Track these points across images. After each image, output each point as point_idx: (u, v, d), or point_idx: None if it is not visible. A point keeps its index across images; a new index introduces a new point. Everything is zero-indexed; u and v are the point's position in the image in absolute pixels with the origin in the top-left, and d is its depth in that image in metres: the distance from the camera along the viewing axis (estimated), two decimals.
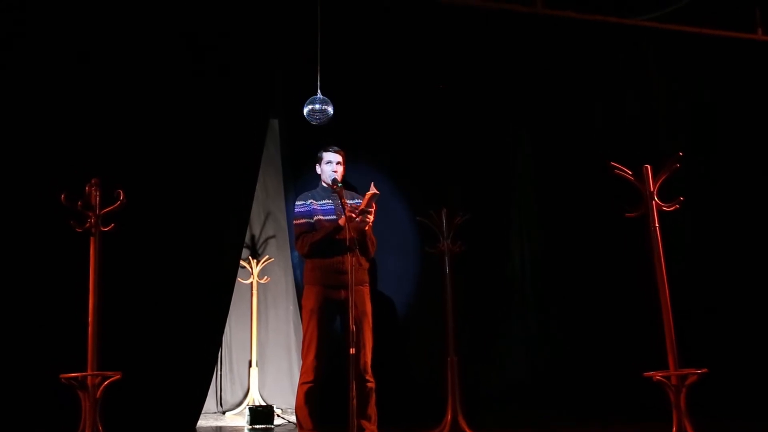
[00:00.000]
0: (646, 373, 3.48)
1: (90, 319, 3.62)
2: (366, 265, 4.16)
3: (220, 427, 5.53)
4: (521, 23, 6.01)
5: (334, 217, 4.09)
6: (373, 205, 3.95)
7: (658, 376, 3.44)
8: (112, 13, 4.98)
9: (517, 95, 6.07)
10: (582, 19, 6.11)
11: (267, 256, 6.41)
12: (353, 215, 3.82)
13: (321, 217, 4.13)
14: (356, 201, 4.09)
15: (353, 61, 5.45)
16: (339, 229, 3.95)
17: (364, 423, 3.83)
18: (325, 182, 4.20)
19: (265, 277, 6.37)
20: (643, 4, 6.23)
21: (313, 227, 4.14)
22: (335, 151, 4.21)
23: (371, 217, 3.97)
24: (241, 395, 6.41)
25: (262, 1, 5.32)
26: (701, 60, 6.33)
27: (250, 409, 5.44)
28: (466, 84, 5.87)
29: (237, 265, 5.31)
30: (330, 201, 4.17)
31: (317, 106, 4.38)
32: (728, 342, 5.68)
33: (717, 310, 5.78)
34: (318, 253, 4.07)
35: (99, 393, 3.56)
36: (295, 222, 4.24)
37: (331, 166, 4.16)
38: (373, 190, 3.89)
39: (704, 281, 5.83)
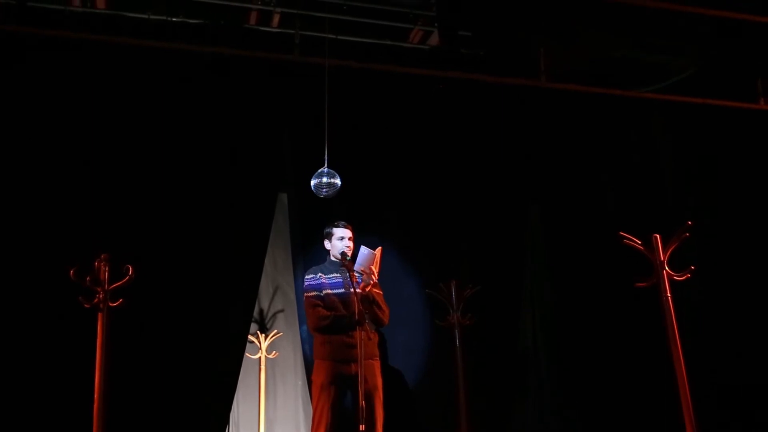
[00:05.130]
0: None
1: (96, 395, 3.58)
2: (376, 338, 4.13)
3: None
4: (526, 96, 6.10)
5: (343, 290, 4.11)
6: (374, 267, 3.97)
7: None
8: (122, 92, 5.08)
9: (525, 167, 6.09)
10: (586, 92, 6.20)
11: (275, 331, 6.34)
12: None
13: (329, 291, 4.15)
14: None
15: (361, 134, 5.50)
16: (351, 324, 3.94)
17: None
18: (334, 256, 4.22)
19: (274, 351, 6.29)
20: (646, 77, 6.33)
21: (322, 300, 4.14)
22: (345, 226, 4.27)
23: (375, 277, 3.98)
24: None
25: (271, 75, 5.43)
26: (706, 130, 6.39)
27: None
28: (473, 157, 5.91)
29: (245, 340, 5.25)
30: (338, 275, 4.19)
31: (324, 180, 4.41)
32: (750, 414, 5.54)
33: (736, 380, 5.66)
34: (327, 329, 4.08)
35: None
36: (306, 294, 4.25)
37: (344, 241, 4.21)
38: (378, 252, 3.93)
39: (721, 350, 5.72)
